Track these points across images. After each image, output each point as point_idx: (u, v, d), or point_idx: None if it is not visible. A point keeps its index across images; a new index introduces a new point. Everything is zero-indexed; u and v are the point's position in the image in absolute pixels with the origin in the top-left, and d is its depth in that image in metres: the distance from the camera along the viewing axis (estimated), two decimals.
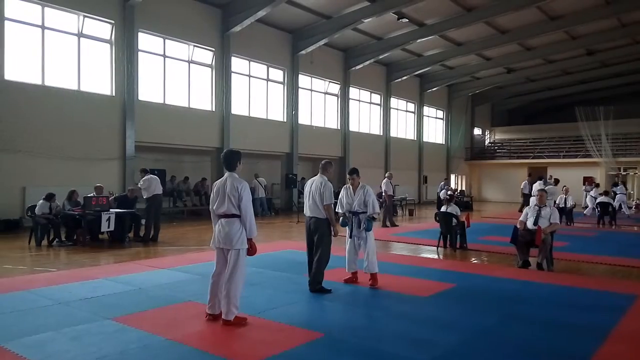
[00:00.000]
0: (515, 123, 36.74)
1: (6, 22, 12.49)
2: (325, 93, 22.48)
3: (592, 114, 28.18)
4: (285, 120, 20.23)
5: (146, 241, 10.50)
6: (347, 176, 6.76)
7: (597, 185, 19.89)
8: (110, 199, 10.79)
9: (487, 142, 36.14)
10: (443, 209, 10.26)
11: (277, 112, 20.10)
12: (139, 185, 10.81)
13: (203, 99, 17.34)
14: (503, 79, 29.09)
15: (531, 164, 30.64)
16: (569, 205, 15.61)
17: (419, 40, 20.94)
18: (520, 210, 19.18)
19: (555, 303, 5.76)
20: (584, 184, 23.67)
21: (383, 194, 14.69)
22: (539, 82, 30.45)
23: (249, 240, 4.80)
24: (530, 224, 8.05)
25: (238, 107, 18.38)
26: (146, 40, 15.58)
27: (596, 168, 27.76)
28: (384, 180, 15.11)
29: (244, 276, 4.87)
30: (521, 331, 4.67)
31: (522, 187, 19.74)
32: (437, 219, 10.25)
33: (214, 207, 4.91)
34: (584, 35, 22.43)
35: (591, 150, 27.93)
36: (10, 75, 12.58)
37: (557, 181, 14.76)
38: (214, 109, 17.47)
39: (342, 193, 6.79)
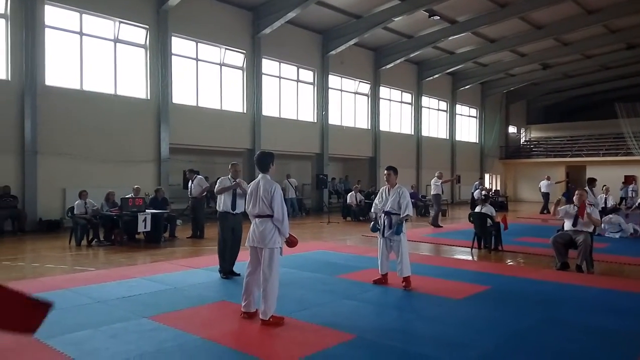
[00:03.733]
0: (551, 120, 35.73)
1: (46, 29, 12.97)
2: (356, 93, 22.42)
3: (633, 110, 27.19)
4: (315, 120, 20.28)
5: (201, 237, 11.26)
6: (384, 172, 6.68)
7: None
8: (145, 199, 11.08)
9: (522, 140, 35.29)
10: (478, 209, 10.07)
11: (308, 113, 20.17)
12: (199, 185, 11.40)
13: (234, 101, 17.57)
14: (539, 76, 28.32)
15: (569, 162, 29.77)
16: (609, 205, 15.07)
17: (450, 38, 20.64)
18: (543, 212, 18.74)
19: (596, 307, 5.56)
20: (627, 183, 22.90)
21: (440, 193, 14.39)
22: (576, 78, 29.52)
23: (285, 238, 4.94)
24: (568, 226, 7.81)
25: (269, 108, 18.54)
26: (179, 44, 15.90)
27: (638, 166, 26.73)
28: (433, 180, 14.76)
29: (279, 275, 4.94)
30: (559, 335, 4.53)
31: (540, 186, 20.02)
32: (471, 219, 10.07)
33: (248, 208, 5.04)
34: (623, 29, 21.64)
35: (632, 148, 26.90)
36: (50, 81, 13.06)
37: (591, 181, 13.95)
38: (245, 111, 17.68)
39: (379, 195, 6.73)
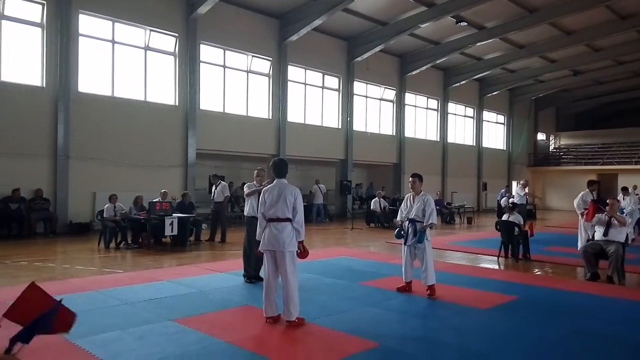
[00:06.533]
0: (582, 127, 34.90)
1: (80, 37, 13.37)
2: (381, 99, 22.37)
3: None
4: (340, 127, 20.30)
5: (223, 242, 11.49)
6: (409, 179, 6.64)
7: None
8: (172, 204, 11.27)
9: (551, 147, 34.56)
10: (505, 217, 9.90)
11: (332, 119, 20.21)
12: (222, 192, 11.75)
13: (260, 107, 17.74)
14: (569, 82, 27.72)
15: (600, 170, 28.99)
16: None
17: (478, 44, 20.41)
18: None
19: (626, 319, 5.40)
20: None
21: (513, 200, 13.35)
22: (608, 84, 28.79)
23: (300, 243, 4.99)
24: (599, 236, 7.61)
25: (294, 114, 18.65)
26: (207, 52, 16.17)
27: None
28: (518, 188, 14.09)
29: (297, 277, 5.03)
30: (587, 348, 4.41)
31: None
32: (498, 227, 9.91)
33: (263, 211, 5.08)
34: None
35: None
36: (83, 87, 13.44)
37: (625, 190, 13.34)
38: (270, 117, 17.83)
39: (404, 202, 6.69)
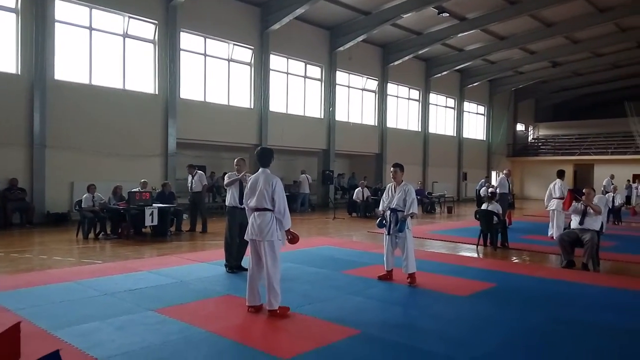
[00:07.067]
0: (560, 118, 35.50)
1: (56, 24, 13.04)
2: (363, 89, 22.37)
3: None
4: (322, 117, 20.27)
5: (204, 232, 11.36)
6: (391, 169, 6.68)
7: None
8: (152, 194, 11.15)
9: (530, 138, 35.10)
10: (484, 206, 10.04)
11: (315, 109, 20.16)
12: (199, 181, 11.56)
13: (242, 97, 17.59)
14: (548, 73, 28.12)
15: (577, 160, 29.59)
16: (617, 203, 14.99)
17: (459, 35, 20.52)
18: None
19: (601, 305, 5.54)
20: (633, 182, 22.76)
21: (496, 191, 13.28)
22: (586, 76, 29.29)
23: (288, 231, 4.97)
24: (575, 224, 7.78)
25: (276, 104, 18.55)
26: (188, 40, 15.93)
27: None
28: (501, 177, 14.24)
29: (280, 266, 5.01)
30: (564, 334, 4.52)
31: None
32: (478, 216, 10.05)
33: (247, 202, 5.09)
34: (634, 27, 21.42)
35: None
36: (59, 75, 13.14)
37: (560, 173, 12.92)
38: (252, 107, 17.70)
39: (386, 191, 6.73)
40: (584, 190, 7.96)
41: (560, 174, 10.86)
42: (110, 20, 14.12)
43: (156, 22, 14.89)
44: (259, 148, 5.33)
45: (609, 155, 28.39)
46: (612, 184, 17.77)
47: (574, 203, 7.89)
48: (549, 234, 10.93)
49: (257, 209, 4.96)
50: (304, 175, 18.34)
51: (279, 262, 4.98)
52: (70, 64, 13.47)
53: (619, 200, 15.15)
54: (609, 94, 32.19)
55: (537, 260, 8.59)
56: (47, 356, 2.37)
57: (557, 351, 4.06)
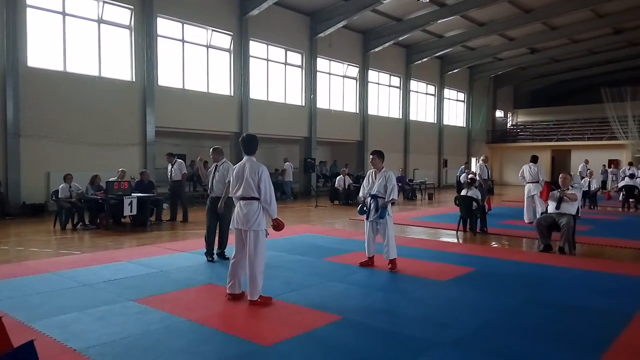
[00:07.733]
0: (538, 105, 35.98)
1: (28, 9, 12.65)
2: (344, 76, 22.30)
3: (618, 95, 27.45)
4: (303, 104, 20.17)
5: (185, 221, 11.24)
6: (370, 156, 6.70)
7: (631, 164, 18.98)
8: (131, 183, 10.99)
9: (509, 124, 35.53)
10: (463, 192, 10.16)
11: (296, 96, 20.05)
12: (179, 169, 11.38)
13: (222, 84, 17.38)
14: (526, 60, 28.41)
15: (554, 146, 30.08)
16: (593, 188, 15.31)
17: (439, 21, 20.54)
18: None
19: (577, 287, 5.68)
20: (609, 167, 23.24)
21: (477, 177, 13.49)
22: (563, 62, 29.67)
23: (274, 220, 4.87)
24: (552, 208, 7.92)
25: (256, 91, 18.38)
26: (165, 26, 15.63)
27: (622, 150, 27.09)
28: (480, 164, 14.45)
29: (265, 257, 4.95)
30: (541, 315, 4.62)
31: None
32: (457, 202, 10.16)
33: (232, 191, 5.00)
34: (611, 14, 21.71)
35: (617, 132, 27.24)
36: (32, 62, 12.78)
37: (534, 158, 13.15)
38: (232, 94, 17.51)
39: (366, 178, 6.74)
40: (560, 176, 8.10)
41: (534, 159, 11.25)
42: (84, 4, 13.75)
43: (132, 7, 14.56)
44: (244, 135, 5.21)
45: (586, 140, 28.91)
46: (588, 169, 18.10)
47: (551, 193, 8.04)
48: (525, 219, 11.20)
49: (243, 198, 4.87)
50: (288, 163, 18.28)
51: (263, 252, 4.90)
52: (43, 50, 13.10)
53: (594, 185, 15.46)
54: (586, 80, 32.69)
55: (515, 245, 8.75)
56: (20, 347, 2.32)
57: (535, 332, 4.15)
